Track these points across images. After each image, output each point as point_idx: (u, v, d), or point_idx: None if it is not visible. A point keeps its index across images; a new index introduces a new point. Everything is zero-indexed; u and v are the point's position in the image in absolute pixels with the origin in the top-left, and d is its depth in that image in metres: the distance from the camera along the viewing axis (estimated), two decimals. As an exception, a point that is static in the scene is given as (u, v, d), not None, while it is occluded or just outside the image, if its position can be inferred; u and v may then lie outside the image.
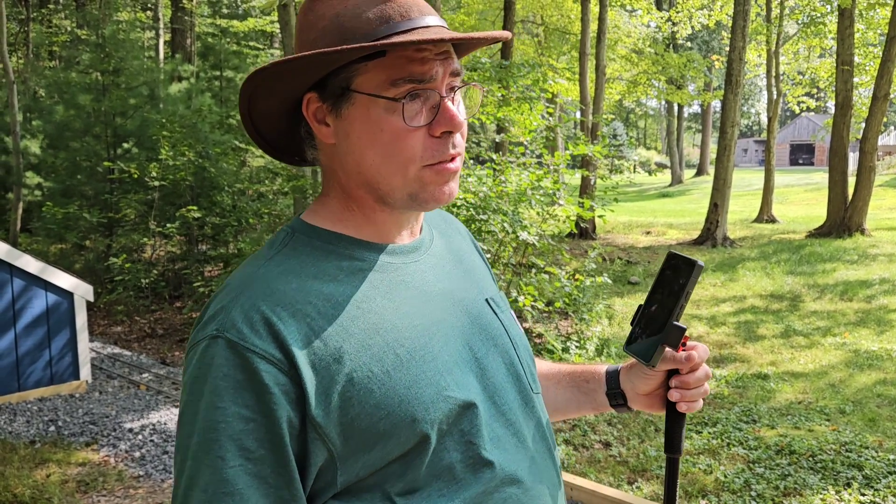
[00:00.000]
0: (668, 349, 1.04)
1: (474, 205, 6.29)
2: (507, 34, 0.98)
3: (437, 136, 0.91)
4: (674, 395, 1.07)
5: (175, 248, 11.93)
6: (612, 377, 1.17)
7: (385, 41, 0.87)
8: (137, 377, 7.49)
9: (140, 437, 5.70)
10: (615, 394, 1.16)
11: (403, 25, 0.89)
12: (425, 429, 0.88)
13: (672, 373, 1.08)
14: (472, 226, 6.28)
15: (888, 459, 4.85)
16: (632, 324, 1.12)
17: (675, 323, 1.02)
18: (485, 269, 1.17)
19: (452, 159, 0.93)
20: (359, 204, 0.97)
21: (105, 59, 12.05)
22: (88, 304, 7.47)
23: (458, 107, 0.94)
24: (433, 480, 0.90)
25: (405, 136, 0.90)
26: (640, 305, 1.10)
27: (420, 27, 0.90)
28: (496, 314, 1.06)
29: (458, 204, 6.41)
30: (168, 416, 6.18)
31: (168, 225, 10.54)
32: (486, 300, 1.06)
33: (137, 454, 5.36)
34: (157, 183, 10.79)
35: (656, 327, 1.05)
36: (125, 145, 12.40)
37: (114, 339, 9.40)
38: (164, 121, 11.30)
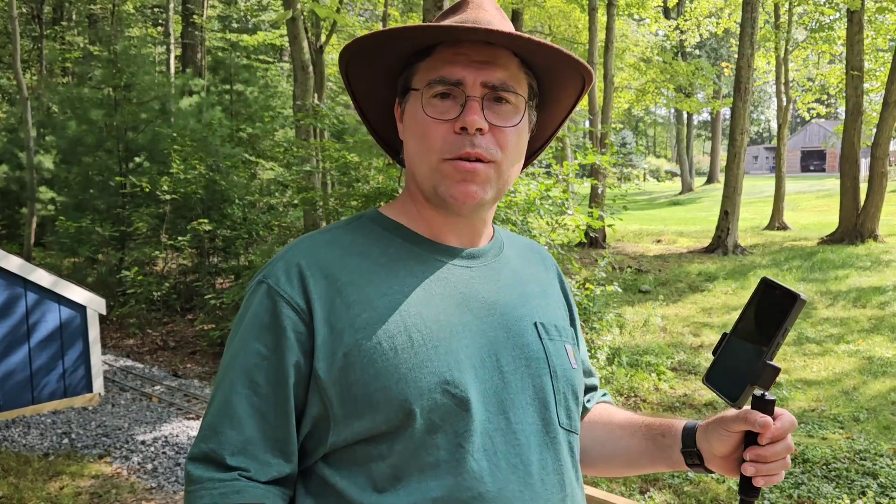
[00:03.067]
0: (751, 410, 0.95)
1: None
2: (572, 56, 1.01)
3: (457, 132, 0.97)
4: (748, 470, 0.95)
5: (187, 260, 12.00)
6: (689, 434, 1.08)
7: (411, 28, 0.97)
8: (150, 389, 7.53)
9: (152, 449, 5.72)
10: (691, 453, 1.06)
11: (444, 24, 0.97)
12: (414, 412, 0.90)
13: (750, 435, 0.96)
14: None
15: (903, 467, 4.80)
16: (714, 353, 1.00)
17: (770, 363, 0.91)
18: (556, 300, 1.16)
19: (472, 159, 0.96)
20: (414, 199, 1.07)
21: (117, 75, 12.18)
22: (101, 317, 7.52)
23: (490, 112, 0.98)
24: (417, 473, 0.91)
25: (430, 127, 0.98)
26: (725, 334, 0.99)
27: (475, 26, 0.95)
28: (541, 338, 1.04)
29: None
30: (180, 429, 6.21)
31: (179, 238, 10.61)
32: (535, 324, 1.05)
33: (150, 466, 5.39)
34: (168, 196, 10.87)
35: (745, 363, 0.94)
36: (137, 159, 12.52)
37: (126, 351, 9.45)
38: (175, 135, 11.40)
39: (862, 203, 15.03)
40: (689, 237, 17.28)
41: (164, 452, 5.66)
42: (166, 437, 5.97)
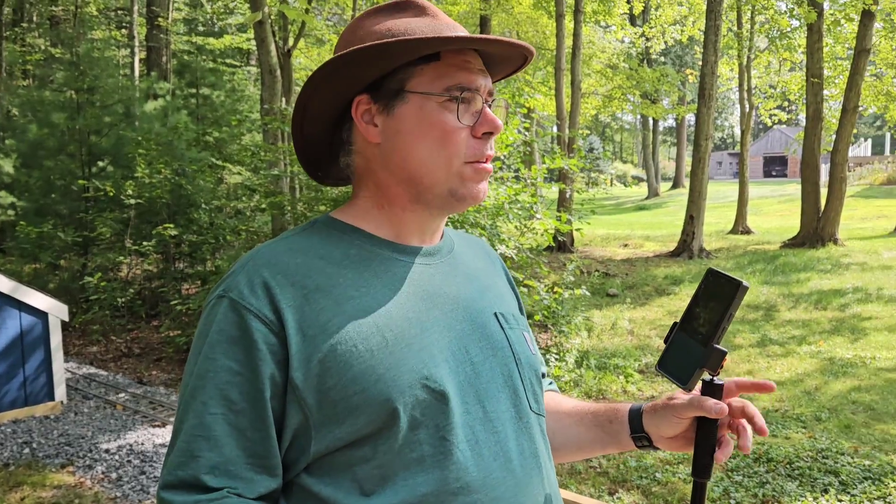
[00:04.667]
0: (702, 395, 0.99)
1: (452, 218, 6.32)
2: (532, 50, 1.06)
3: (478, 136, 1.02)
4: (720, 458, 1.00)
5: (152, 266, 11.82)
6: (636, 419, 1.13)
7: (444, 38, 0.97)
8: (114, 397, 7.39)
9: (116, 457, 5.62)
10: (639, 437, 1.13)
11: (454, 34, 1.00)
12: (398, 410, 0.91)
13: (702, 419, 1.01)
14: (451, 240, 6.29)
15: (863, 465, 4.91)
16: (665, 341, 1.06)
17: (717, 346, 0.96)
18: (506, 291, 1.21)
19: (488, 160, 1.03)
20: (391, 202, 1.05)
21: (79, 78, 11.97)
22: (63, 323, 7.37)
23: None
24: (403, 470, 0.91)
25: (455, 132, 1.00)
26: (676, 323, 1.05)
27: (466, 36, 0.99)
28: (503, 328, 1.08)
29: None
30: (145, 437, 6.11)
31: (144, 243, 10.45)
32: (495, 314, 1.09)
33: (114, 475, 5.29)
34: (132, 201, 10.70)
35: (694, 349, 0.99)
36: (100, 163, 12.30)
37: (89, 359, 9.28)
38: (139, 139, 11.23)
39: (822, 208, 15.37)
40: (655, 241, 17.50)
41: (128, 461, 5.56)
42: (131, 446, 5.87)
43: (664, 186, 42.14)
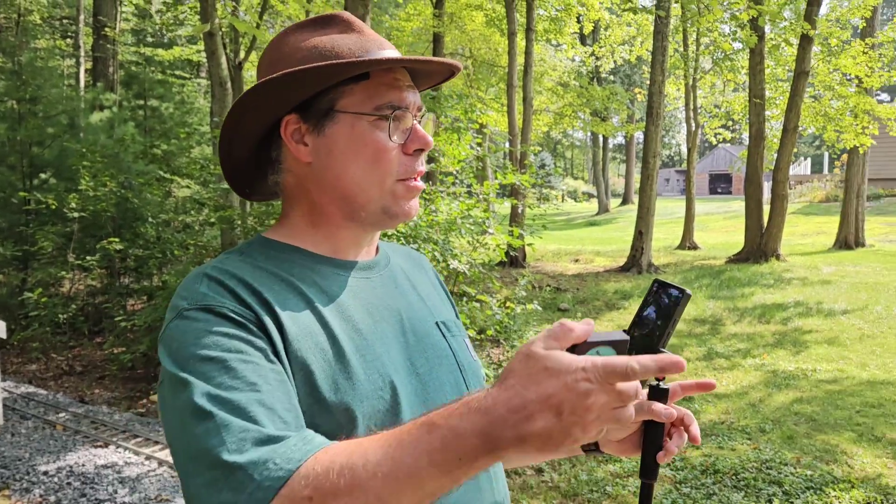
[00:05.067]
0: (656, 404, 1.00)
1: (405, 234, 6.31)
2: (459, 65, 1.08)
3: (410, 153, 1.02)
4: (663, 458, 1.00)
5: (95, 281, 11.50)
6: None
7: (375, 61, 0.97)
8: (53, 417, 7.14)
9: (56, 480, 5.42)
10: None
11: (383, 55, 1.01)
12: (357, 419, 0.91)
13: (649, 423, 1.02)
14: (403, 255, 6.28)
15: (805, 475, 5.04)
16: None
17: (662, 350, 0.97)
18: (443, 300, 1.23)
19: (419, 177, 1.04)
20: (326, 220, 1.05)
21: (21, 87, 11.64)
22: (0, 341, 7.10)
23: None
24: None
25: (387, 151, 1.00)
26: (624, 331, 1.04)
27: (396, 58, 0.99)
28: (445, 337, 1.11)
29: (389, 233, 6.41)
30: (86, 458, 5.91)
31: (88, 258, 10.17)
32: (437, 323, 1.11)
33: (53, 498, 5.10)
34: (76, 214, 10.41)
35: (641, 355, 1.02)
36: (42, 175, 11.95)
37: (28, 377, 8.95)
38: (84, 150, 10.95)
39: (765, 224, 15.83)
40: (605, 256, 17.76)
41: (68, 483, 5.37)
42: (71, 468, 5.67)
43: (614, 202, 42.86)
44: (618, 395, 0.73)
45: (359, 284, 1.05)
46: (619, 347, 0.84)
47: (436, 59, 1.03)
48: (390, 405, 0.95)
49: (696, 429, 1.02)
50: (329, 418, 0.90)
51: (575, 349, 0.79)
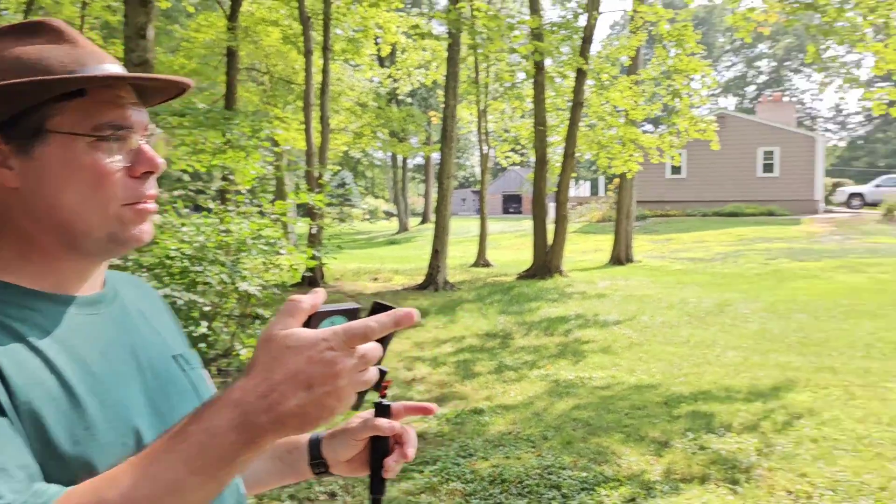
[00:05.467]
0: (377, 419, 1.05)
1: (190, 255, 6.00)
2: (190, 82, 1.02)
3: (137, 176, 0.94)
4: (392, 471, 1.04)
5: None
6: (314, 446, 1.16)
7: (92, 77, 0.90)
8: None
9: None
10: (318, 463, 1.15)
11: (100, 70, 0.92)
12: (97, 473, 0.82)
13: (375, 439, 1.07)
14: (188, 277, 5.96)
15: (581, 477, 5.43)
16: None
17: (379, 367, 1.00)
18: (176, 330, 1.16)
19: (150, 199, 0.96)
20: (41, 252, 0.93)
21: None
22: None
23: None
24: None
25: (109, 175, 0.91)
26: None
27: (115, 74, 0.92)
28: (185, 371, 1.05)
29: (172, 255, 6.06)
30: None
31: None
32: (174, 357, 1.05)
33: None
34: None
35: None
36: None
37: None
38: None
39: (550, 242, 17.01)
40: (404, 275, 18.10)
41: None
42: None
43: (414, 221, 43.94)
44: (362, 357, 0.77)
45: (87, 322, 0.95)
46: (350, 315, 0.85)
47: (162, 76, 0.96)
48: (134, 452, 0.86)
49: (409, 448, 1.05)
50: (66, 474, 0.81)
51: (309, 323, 0.80)
